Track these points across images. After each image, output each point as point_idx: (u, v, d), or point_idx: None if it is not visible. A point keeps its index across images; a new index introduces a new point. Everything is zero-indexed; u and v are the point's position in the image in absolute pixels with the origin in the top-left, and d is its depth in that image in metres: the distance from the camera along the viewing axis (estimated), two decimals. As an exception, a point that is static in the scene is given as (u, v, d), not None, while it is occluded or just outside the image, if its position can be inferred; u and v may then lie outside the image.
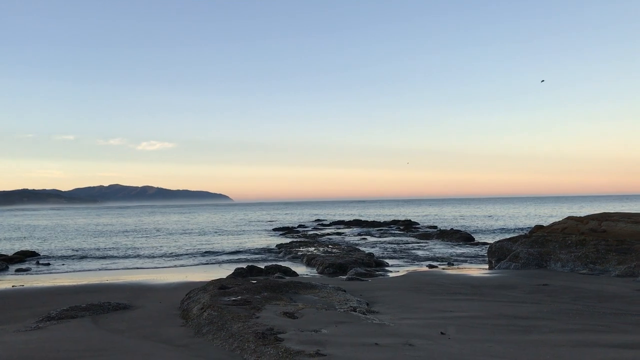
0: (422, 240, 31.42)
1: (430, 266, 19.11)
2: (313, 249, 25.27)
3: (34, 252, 27.09)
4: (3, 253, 26.38)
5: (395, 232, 40.75)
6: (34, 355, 6.59)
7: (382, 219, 59.55)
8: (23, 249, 29.02)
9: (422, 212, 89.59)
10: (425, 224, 49.65)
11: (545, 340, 6.89)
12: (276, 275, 16.15)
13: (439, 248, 26.54)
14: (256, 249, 28.28)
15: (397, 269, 18.64)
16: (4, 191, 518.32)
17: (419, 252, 24.60)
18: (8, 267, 21.90)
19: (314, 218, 72.27)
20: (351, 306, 9.34)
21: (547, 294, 11.05)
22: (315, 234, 40.34)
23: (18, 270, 21.16)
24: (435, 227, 44.24)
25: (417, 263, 20.82)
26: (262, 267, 17.85)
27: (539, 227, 21.26)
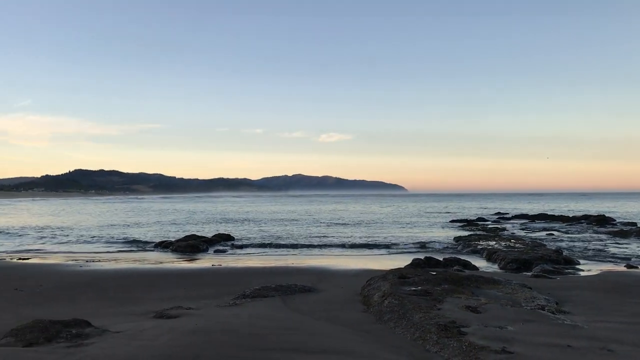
0: (618, 238, 28.45)
1: (629, 266, 17.25)
2: (494, 243, 24.27)
3: (229, 235, 29.75)
4: (204, 235, 29.38)
5: (586, 227, 37.44)
6: (233, 329, 7.24)
7: (570, 214, 55.12)
8: (220, 232, 32.05)
9: (615, 206, 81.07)
10: (622, 220, 44.89)
11: None
12: (455, 268, 15.83)
13: (639, 247, 23.84)
14: (433, 240, 27.95)
15: (589, 268, 17.13)
16: (204, 179, 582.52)
17: (615, 251, 22.32)
18: (208, 248, 24.36)
19: (494, 211, 69.30)
20: (539, 304, 8.81)
21: None
22: (496, 227, 38.66)
23: (216, 251, 23.48)
24: (634, 223, 39.80)
25: (613, 262, 18.94)
26: (440, 259, 17.62)
27: None
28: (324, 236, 31.42)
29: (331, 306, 9.61)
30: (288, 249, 24.83)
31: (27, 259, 20.63)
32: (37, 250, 24.84)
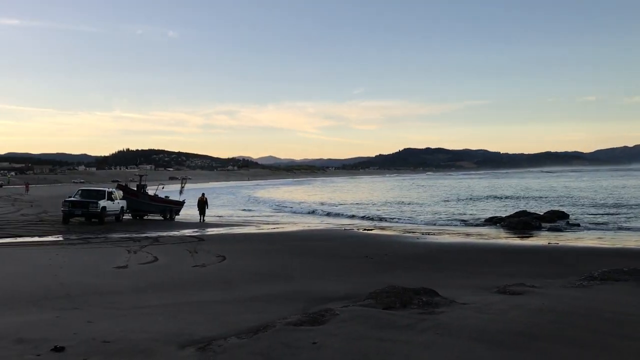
0: None
1: None
2: None
3: (563, 212, 27.75)
4: (535, 212, 28.11)
5: None
6: (585, 313, 6.72)
7: None
8: (552, 209, 30.21)
9: None
10: None
11: None
12: None
13: None
14: None
15: None
16: (530, 154, 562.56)
17: None
18: (540, 226, 23.16)
19: None
20: None
21: None
22: None
23: (550, 229, 22.20)
24: None
25: None
26: None
27: None
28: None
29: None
30: (633, 230, 21.88)
31: (370, 229, 22.96)
32: (376, 223, 27.58)
